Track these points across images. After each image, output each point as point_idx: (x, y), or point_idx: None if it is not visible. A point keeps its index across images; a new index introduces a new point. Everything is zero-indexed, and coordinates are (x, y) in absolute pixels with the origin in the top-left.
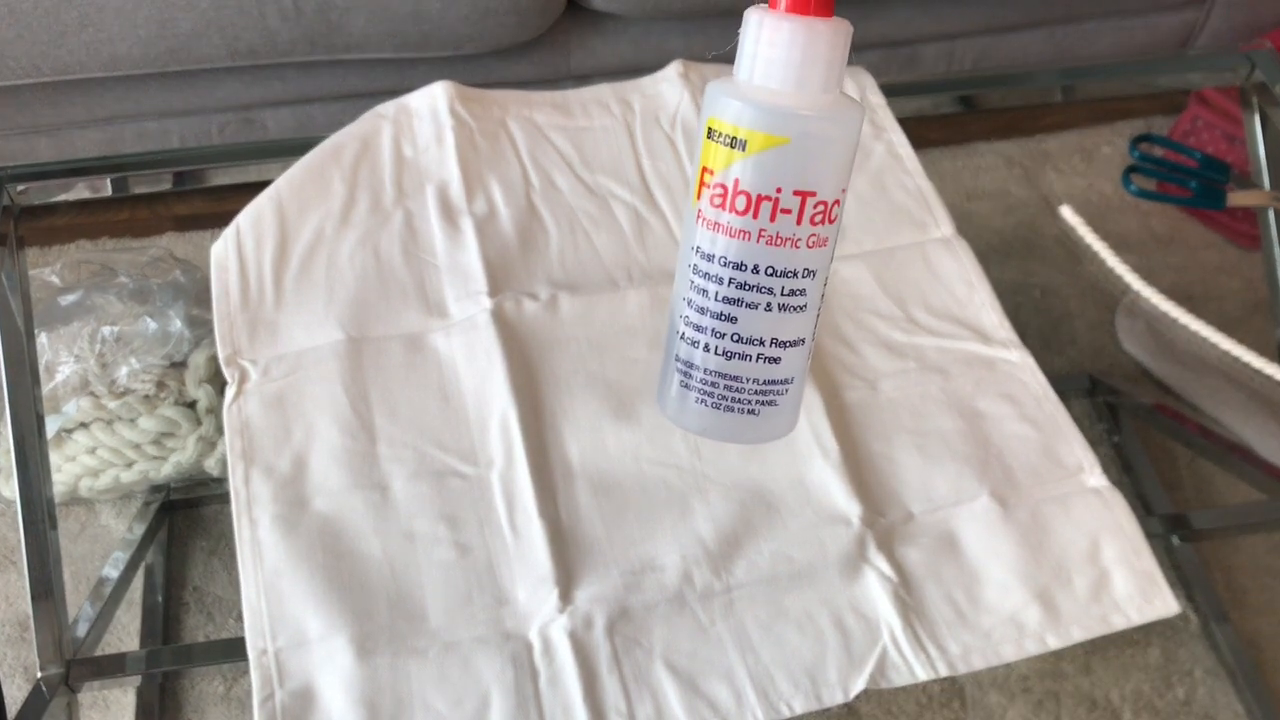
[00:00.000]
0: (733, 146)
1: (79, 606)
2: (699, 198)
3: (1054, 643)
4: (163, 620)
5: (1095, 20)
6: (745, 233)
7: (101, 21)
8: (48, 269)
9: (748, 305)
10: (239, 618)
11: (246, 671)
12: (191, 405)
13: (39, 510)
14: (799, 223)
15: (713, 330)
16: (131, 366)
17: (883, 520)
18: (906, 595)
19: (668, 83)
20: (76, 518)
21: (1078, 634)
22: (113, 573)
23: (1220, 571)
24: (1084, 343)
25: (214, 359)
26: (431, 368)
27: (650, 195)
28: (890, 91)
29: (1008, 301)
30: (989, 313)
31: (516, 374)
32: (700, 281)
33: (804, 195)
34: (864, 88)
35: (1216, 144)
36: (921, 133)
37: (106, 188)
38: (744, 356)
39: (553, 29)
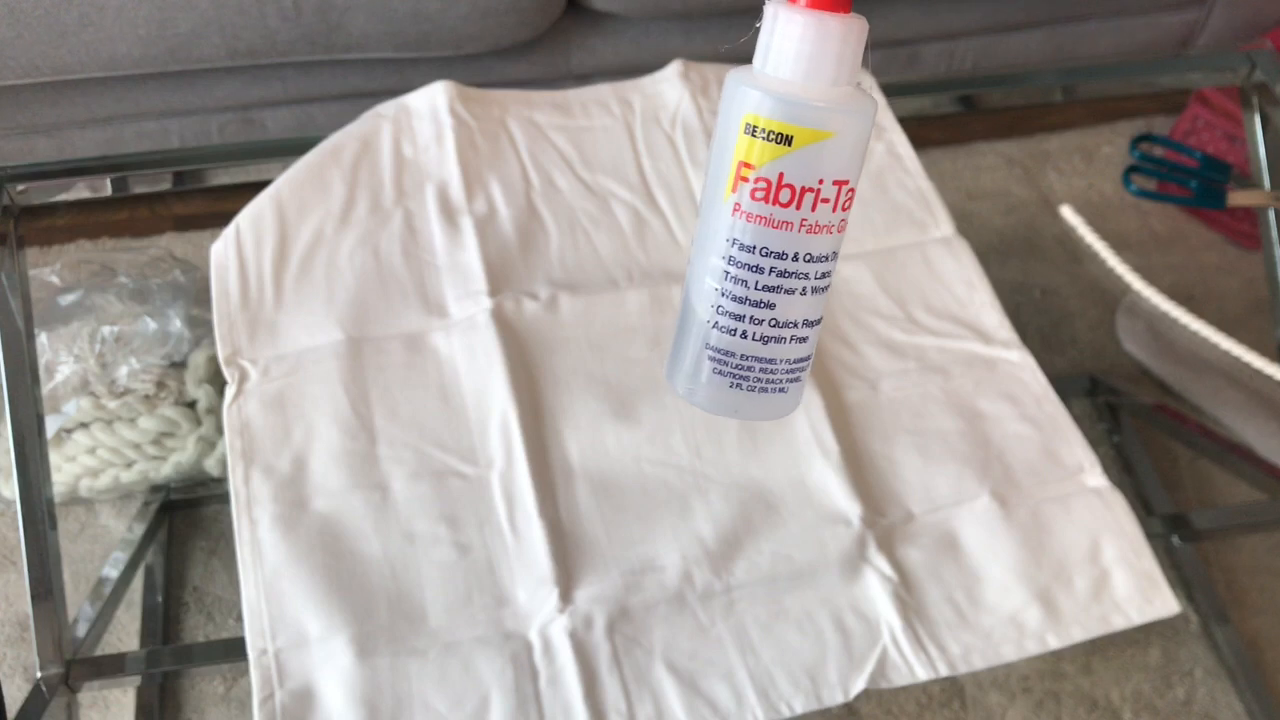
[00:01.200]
0: (778, 142)
1: (79, 606)
2: (734, 191)
3: (1054, 643)
4: (163, 620)
5: (1095, 20)
6: (788, 223)
7: (101, 21)
8: (48, 269)
9: (786, 291)
10: (239, 618)
11: (246, 671)
12: (191, 405)
13: (39, 510)
14: (834, 210)
15: (751, 318)
16: (131, 366)
17: (883, 520)
18: (907, 595)
19: (668, 83)
20: (76, 518)
21: (1078, 634)
22: (113, 573)
23: (1220, 571)
24: (1084, 343)
25: (214, 359)
26: (431, 368)
27: (650, 195)
28: (890, 91)
29: (1008, 301)
30: (989, 313)
31: (516, 374)
32: (739, 273)
33: (840, 184)
34: (864, 88)
35: (1217, 144)
36: (921, 133)
37: (106, 188)
38: (779, 340)
39: (553, 29)
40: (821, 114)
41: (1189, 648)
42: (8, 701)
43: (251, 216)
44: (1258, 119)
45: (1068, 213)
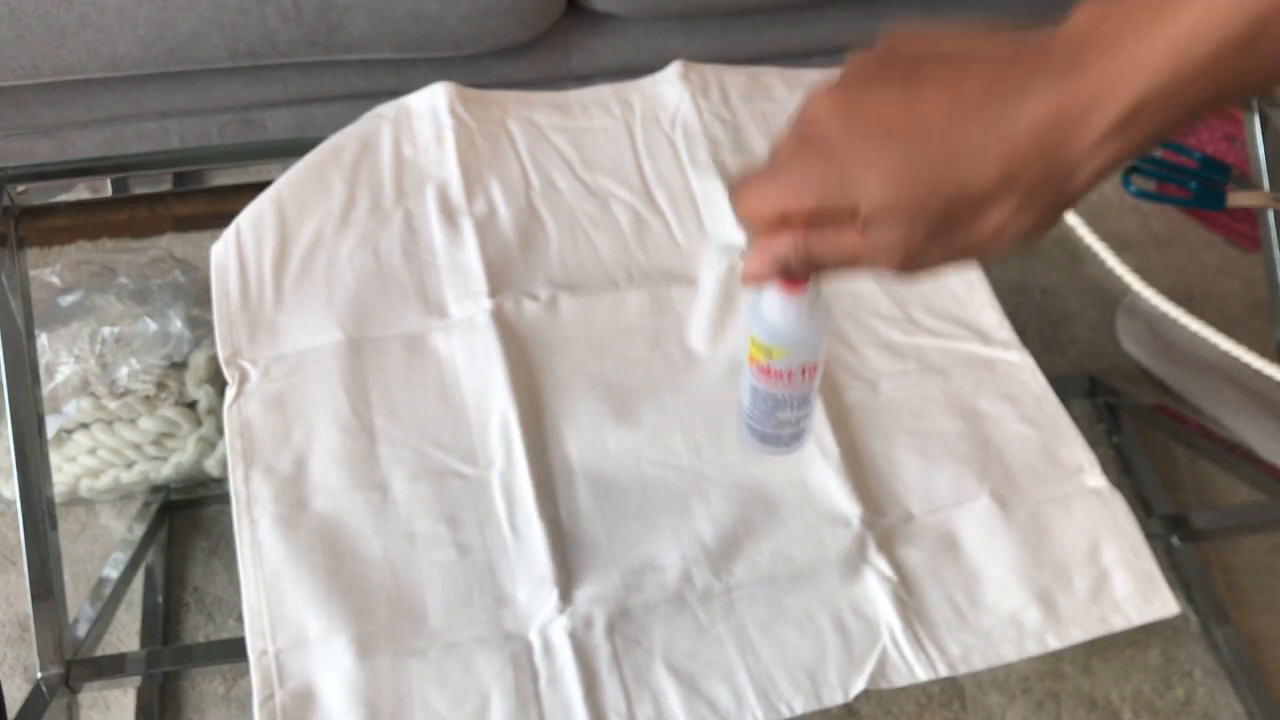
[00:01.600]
0: (764, 350)
1: (79, 606)
2: (749, 362)
3: (1054, 643)
4: (163, 620)
5: None
6: (778, 384)
7: (101, 22)
8: (48, 269)
9: (777, 406)
10: (239, 618)
11: (246, 671)
12: (191, 406)
13: (39, 510)
14: (803, 378)
15: (761, 415)
16: (131, 367)
17: (883, 521)
18: (906, 595)
19: (668, 83)
20: (76, 518)
21: (1078, 634)
22: (113, 573)
23: (1220, 571)
24: (1084, 343)
25: (214, 359)
26: (431, 368)
27: (650, 195)
28: None
29: (1008, 302)
30: (989, 313)
31: (516, 374)
32: (753, 396)
33: (806, 367)
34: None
35: (1216, 144)
36: None
37: (106, 188)
38: (780, 426)
39: (553, 29)
40: (789, 340)
41: (1189, 648)
42: (8, 701)
43: (252, 217)
44: (1258, 119)
45: (1067, 213)
